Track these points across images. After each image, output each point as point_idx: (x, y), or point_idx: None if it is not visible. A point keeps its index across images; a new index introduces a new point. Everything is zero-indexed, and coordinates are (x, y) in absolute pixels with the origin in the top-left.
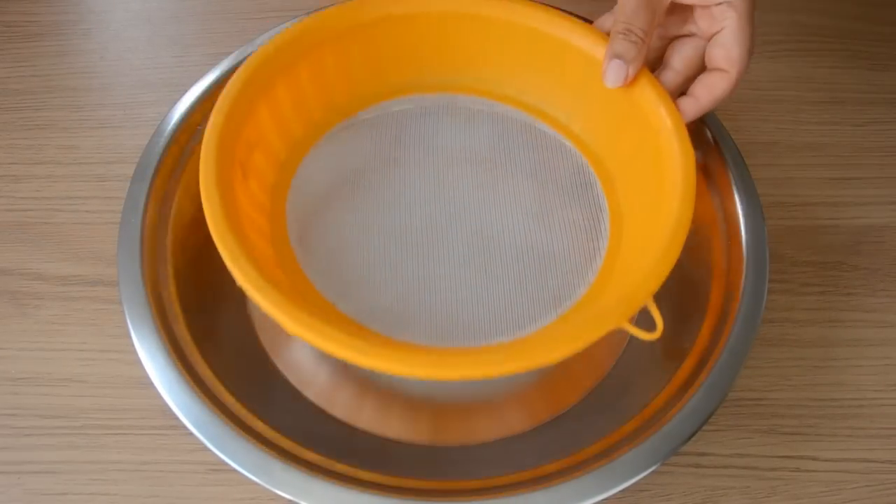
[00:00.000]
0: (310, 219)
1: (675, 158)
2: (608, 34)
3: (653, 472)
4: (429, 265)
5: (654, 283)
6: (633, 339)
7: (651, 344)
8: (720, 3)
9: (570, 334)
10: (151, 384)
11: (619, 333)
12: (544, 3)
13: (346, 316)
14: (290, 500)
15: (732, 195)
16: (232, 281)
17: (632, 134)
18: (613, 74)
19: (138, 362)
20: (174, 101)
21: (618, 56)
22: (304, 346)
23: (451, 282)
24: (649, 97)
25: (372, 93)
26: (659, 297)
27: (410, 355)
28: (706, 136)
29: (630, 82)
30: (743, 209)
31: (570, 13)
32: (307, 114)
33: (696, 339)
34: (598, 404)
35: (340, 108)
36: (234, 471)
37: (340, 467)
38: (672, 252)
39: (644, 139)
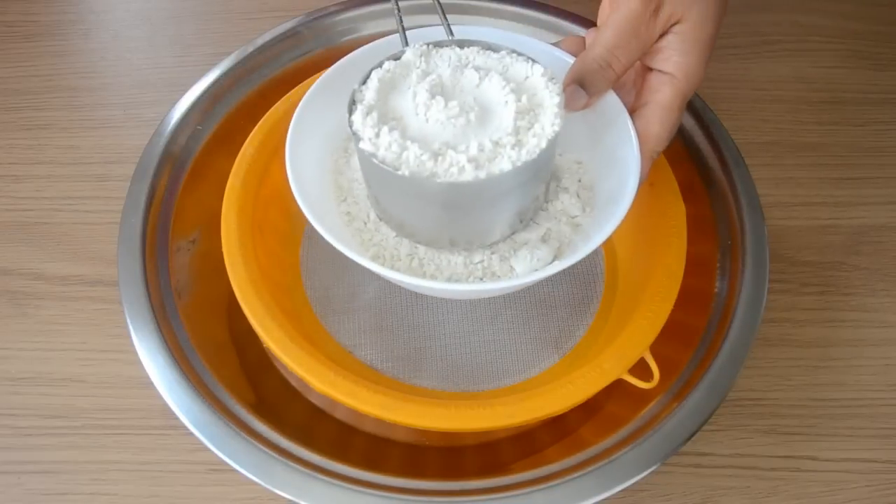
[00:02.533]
0: (322, 267)
1: (667, 212)
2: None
3: (653, 472)
4: (438, 312)
5: (650, 338)
6: None
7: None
8: (663, 73)
9: (574, 391)
10: (151, 384)
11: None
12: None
13: (363, 363)
14: (290, 500)
15: (732, 195)
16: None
17: None
18: (571, 101)
19: (138, 362)
20: (174, 101)
21: (583, 86)
22: None
23: (460, 327)
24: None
25: None
26: None
27: (430, 410)
28: (706, 136)
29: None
30: (743, 209)
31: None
32: None
33: (696, 340)
34: (597, 404)
35: None
36: (234, 471)
37: (340, 467)
38: (665, 308)
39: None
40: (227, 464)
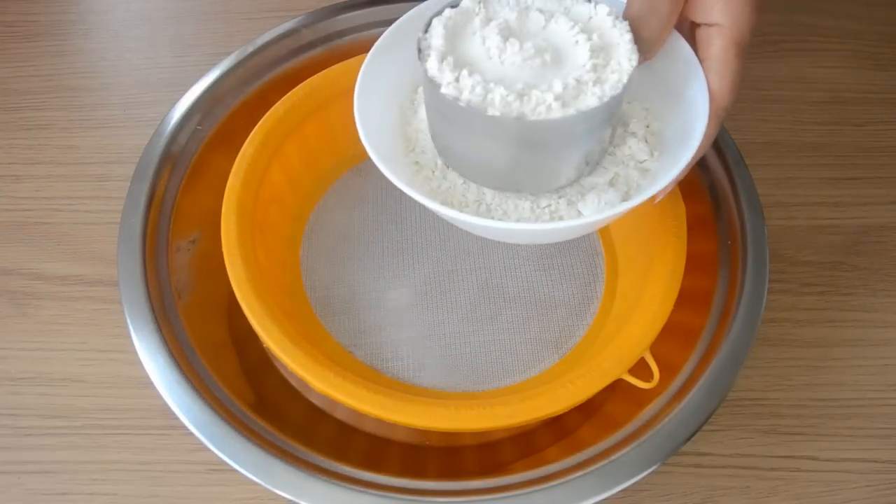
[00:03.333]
0: (322, 267)
1: (667, 212)
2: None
3: (653, 472)
4: (438, 312)
5: (650, 338)
6: None
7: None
8: (710, 25)
9: (574, 391)
10: (151, 384)
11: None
12: None
13: (362, 363)
14: (290, 500)
15: (732, 195)
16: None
17: None
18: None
19: (138, 362)
20: (174, 101)
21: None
22: None
23: (460, 327)
24: None
25: None
26: None
27: (430, 410)
28: None
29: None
30: (743, 209)
31: None
32: (315, 166)
33: (696, 340)
34: (597, 404)
35: (346, 158)
36: (234, 471)
37: (340, 467)
38: (665, 308)
39: None
40: (227, 464)
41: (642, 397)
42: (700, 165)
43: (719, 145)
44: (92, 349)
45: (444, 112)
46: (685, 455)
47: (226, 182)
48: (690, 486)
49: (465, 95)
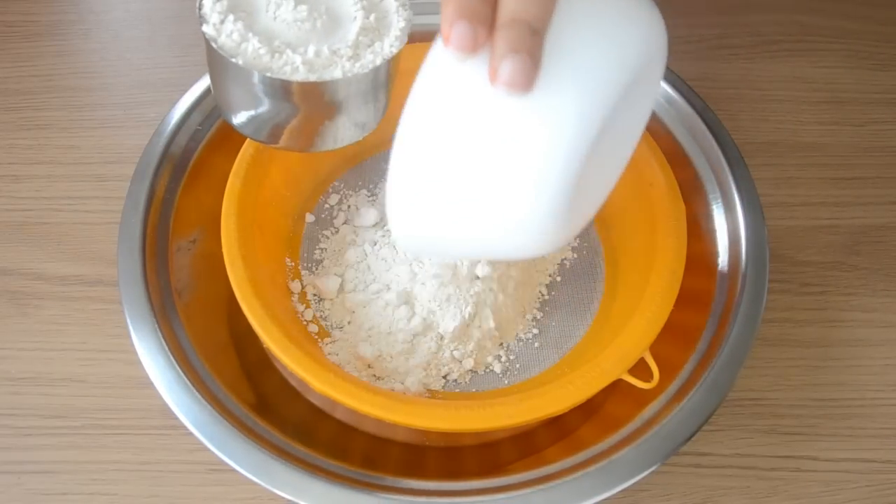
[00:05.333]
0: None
1: (667, 212)
2: None
3: (653, 472)
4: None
5: (650, 338)
6: None
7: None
8: None
9: (574, 391)
10: (151, 384)
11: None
12: None
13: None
14: (290, 500)
15: (732, 195)
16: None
17: (624, 182)
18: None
19: (138, 362)
20: (174, 101)
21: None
22: None
23: None
24: (641, 151)
25: (375, 142)
26: None
27: (430, 410)
28: (706, 136)
29: None
30: (743, 209)
31: None
32: (315, 166)
33: (696, 340)
34: (597, 404)
35: (346, 158)
36: (234, 471)
37: (340, 467)
38: (665, 308)
39: (637, 190)
40: (227, 464)
41: (642, 397)
42: (700, 165)
43: (719, 145)
44: (92, 349)
45: (207, 53)
46: (685, 455)
47: (226, 182)
48: (690, 486)
49: (222, 39)
